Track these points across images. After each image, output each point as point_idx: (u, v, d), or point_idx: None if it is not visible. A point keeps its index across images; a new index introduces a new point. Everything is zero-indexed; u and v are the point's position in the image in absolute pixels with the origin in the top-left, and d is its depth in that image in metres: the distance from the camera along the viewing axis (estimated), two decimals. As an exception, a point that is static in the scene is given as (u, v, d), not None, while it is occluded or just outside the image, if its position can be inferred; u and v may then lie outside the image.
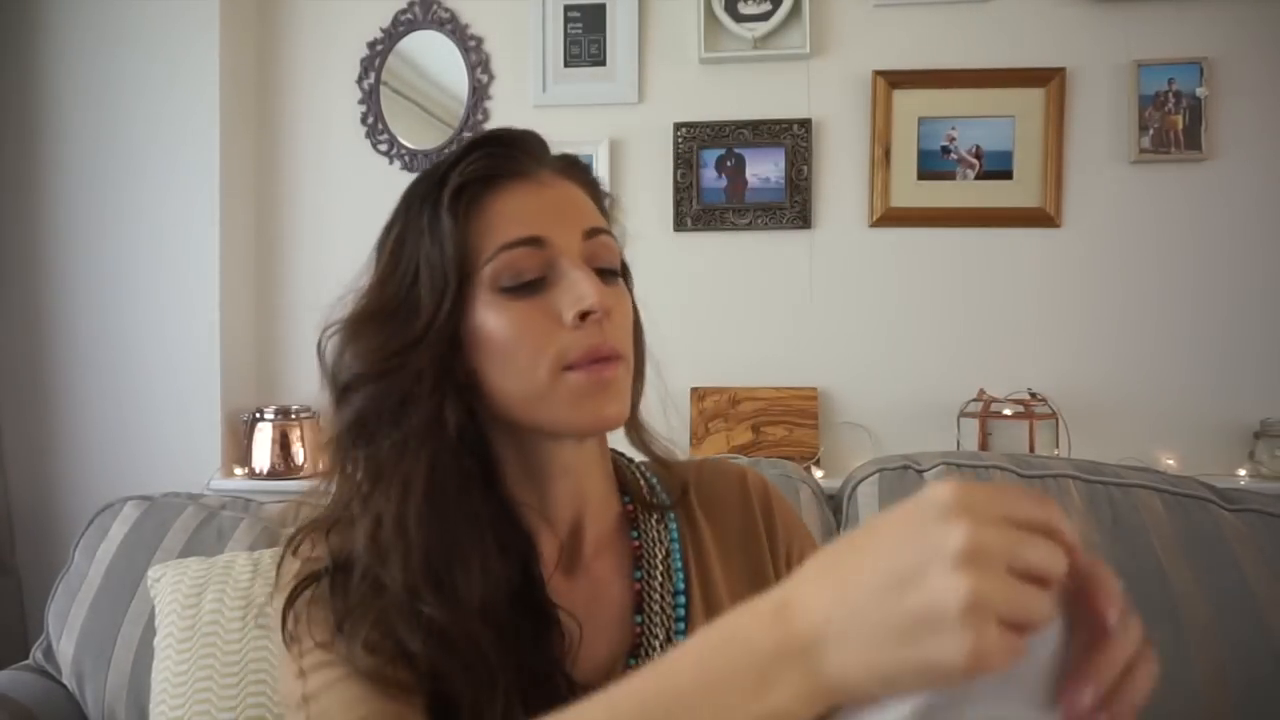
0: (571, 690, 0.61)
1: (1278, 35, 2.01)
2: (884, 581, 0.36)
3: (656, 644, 0.68)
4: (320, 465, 2.35)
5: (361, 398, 0.64)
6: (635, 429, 0.76)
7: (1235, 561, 1.17)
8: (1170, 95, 2.02)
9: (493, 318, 0.65)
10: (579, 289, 0.63)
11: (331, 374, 0.67)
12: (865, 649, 0.36)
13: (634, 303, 0.75)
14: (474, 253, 0.65)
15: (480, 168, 0.67)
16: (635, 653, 0.68)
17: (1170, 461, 1.99)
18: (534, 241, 0.65)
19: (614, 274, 0.69)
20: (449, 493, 0.63)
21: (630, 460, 0.79)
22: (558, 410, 0.64)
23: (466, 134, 2.23)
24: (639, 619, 0.69)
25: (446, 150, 2.23)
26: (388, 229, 0.70)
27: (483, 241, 0.65)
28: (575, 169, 0.72)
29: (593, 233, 0.67)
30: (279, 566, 0.67)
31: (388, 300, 0.66)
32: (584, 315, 0.63)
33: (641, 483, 0.77)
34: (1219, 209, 2.03)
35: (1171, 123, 2.02)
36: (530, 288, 0.65)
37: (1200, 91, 2.00)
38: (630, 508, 0.75)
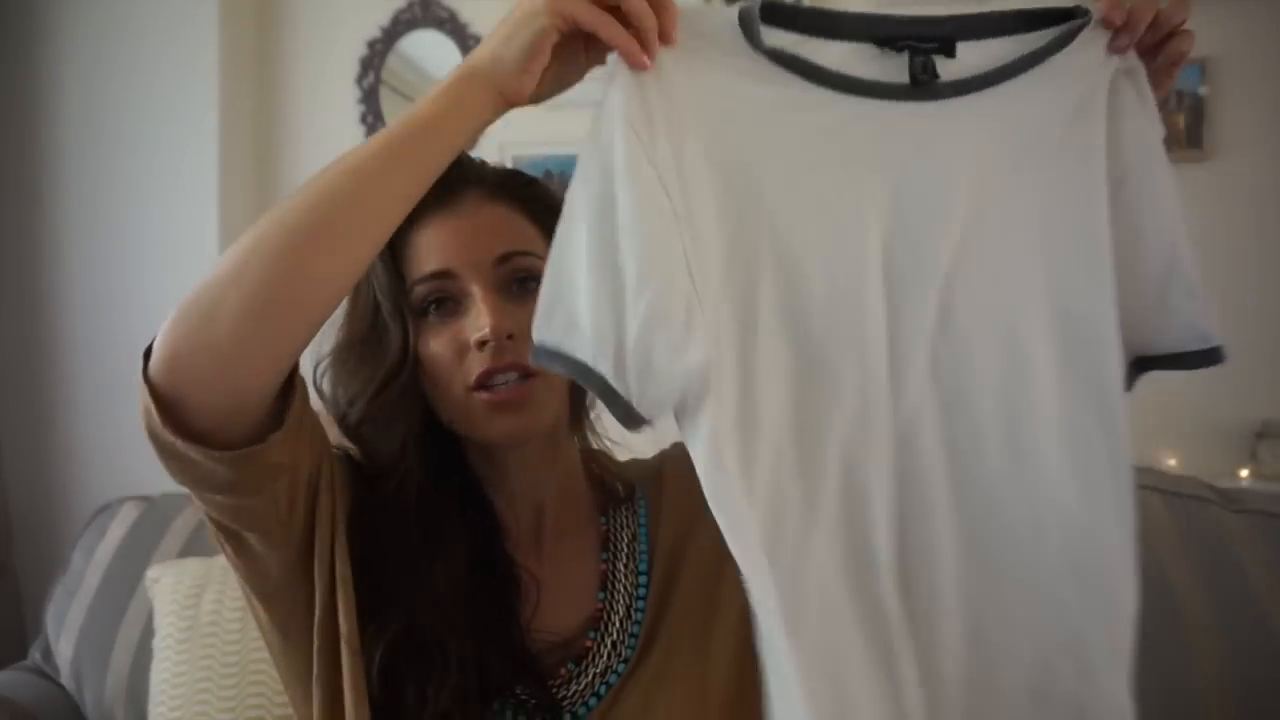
0: (525, 637, 0.70)
1: (1279, 34, 2.00)
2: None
3: (617, 619, 0.73)
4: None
5: (355, 413, 0.72)
6: (579, 430, 0.81)
7: (1237, 563, 1.16)
8: (1172, 94, 2.01)
9: (424, 342, 0.70)
10: (479, 320, 0.69)
11: (331, 400, 0.75)
12: (510, 50, 0.55)
13: None
14: (404, 283, 0.71)
15: None
16: (596, 626, 0.73)
17: (1172, 462, 1.98)
18: (443, 275, 0.70)
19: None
20: (427, 474, 0.73)
21: (598, 456, 0.84)
22: (474, 426, 0.71)
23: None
24: (602, 595, 0.75)
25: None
26: None
27: (406, 273, 0.71)
28: (507, 188, 0.75)
29: (505, 259, 0.71)
30: None
31: (356, 327, 0.72)
32: (482, 343, 0.68)
33: (604, 477, 0.83)
34: (1221, 208, 2.02)
35: (1173, 122, 2.01)
36: (449, 314, 0.70)
37: (1202, 90, 2.00)
38: (602, 497, 0.82)
